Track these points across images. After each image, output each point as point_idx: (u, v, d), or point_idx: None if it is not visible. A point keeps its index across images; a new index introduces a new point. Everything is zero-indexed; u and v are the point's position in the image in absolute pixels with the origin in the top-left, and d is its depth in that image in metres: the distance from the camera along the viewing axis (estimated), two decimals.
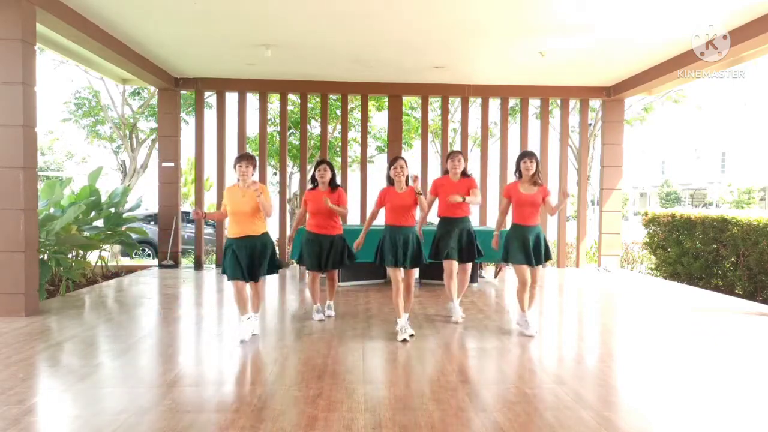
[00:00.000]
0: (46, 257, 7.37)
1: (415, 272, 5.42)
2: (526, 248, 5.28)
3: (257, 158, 5.24)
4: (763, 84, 28.74)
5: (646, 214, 11.26)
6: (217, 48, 8.38)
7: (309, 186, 5.88)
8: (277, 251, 10.64)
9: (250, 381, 4.15)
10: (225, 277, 5.18)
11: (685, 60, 8.10)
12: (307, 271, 5.87)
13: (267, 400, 3.64)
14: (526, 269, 5.32)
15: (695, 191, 40.28)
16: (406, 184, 5.26)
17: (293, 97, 12.04)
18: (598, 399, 3.75)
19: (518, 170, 5.42)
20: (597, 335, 5.87)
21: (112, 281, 8.68)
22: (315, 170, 5.78)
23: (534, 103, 11.90)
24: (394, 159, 5.33)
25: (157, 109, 11.35)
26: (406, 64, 9.17)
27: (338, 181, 6.07)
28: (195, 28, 7.44)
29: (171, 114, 10.35)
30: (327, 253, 5.70)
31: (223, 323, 5.88)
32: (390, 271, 5.27)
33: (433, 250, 5.90)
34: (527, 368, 4.50)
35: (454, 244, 5.78)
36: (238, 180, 5.07)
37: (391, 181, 5.30)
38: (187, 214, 14.17)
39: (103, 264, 9.63)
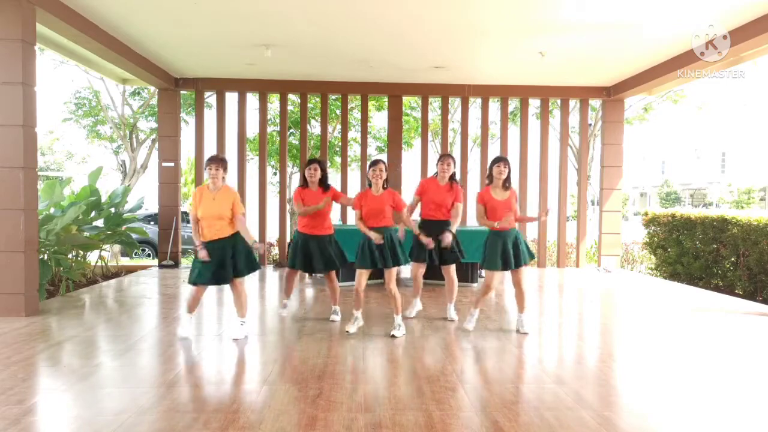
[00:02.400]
0: (46, 257, 7.37)
1: (395, 272, 5.40)
2: (504, 254, 5.28)
3: (227, 161, 5.22)
4: (763, 84, 28.72)
5: (646, 214, 11.27)
6: (217, 48, 8.37)
7: (301, 184, 5.86)
8: (275, 252, 10.79)
9: (250, 381, 4.15)
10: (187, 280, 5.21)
11: (685, 60, 8.09)
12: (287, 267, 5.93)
13: (267, 400, 3.64)
14: (499, 275, 5.42)
15: (695, 191, 40.29)
16: (383, 188, 5.29)
17: (293, 97, 12.04)
18: (598, 399, 3.75)
19: (490, 174, 5.38)
20: (597, 335, 5.87)
21: (112, 281, 8.68)
22: (305, 169, 5.78)
23: (534, 104, 11.89)
24: (375, 162, 5.35)
25: (157, 109, 11.36)
26: (406, 64, 9.17)
27: (338, 181, 6.07)
28: (195, 28, 7.44)
29: (171, 114, 10.35)
30: (317, 254, 5.66)
31: (222, 323, 5.88)
32: (357, 271, 5.37)
33: (413, 251, 5.85)
34: (527, 368, 4.50)
35: (434, 248, 5.68)
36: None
37: (369, 183, 5.35)
38: (187, 214, 14.14)
39: (103, 264, 9.63)
